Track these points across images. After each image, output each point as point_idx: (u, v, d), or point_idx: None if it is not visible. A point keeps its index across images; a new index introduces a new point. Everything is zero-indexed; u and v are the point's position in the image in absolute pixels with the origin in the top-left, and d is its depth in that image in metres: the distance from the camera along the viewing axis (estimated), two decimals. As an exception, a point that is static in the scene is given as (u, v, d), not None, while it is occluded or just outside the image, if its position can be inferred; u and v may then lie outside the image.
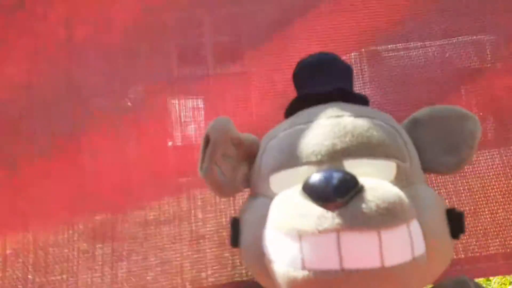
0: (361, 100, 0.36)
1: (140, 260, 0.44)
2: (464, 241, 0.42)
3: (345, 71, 0.38)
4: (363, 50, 0.49)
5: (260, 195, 0.34)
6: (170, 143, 0.47)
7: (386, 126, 0.32)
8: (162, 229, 0.44)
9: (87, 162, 0.47)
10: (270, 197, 0.31)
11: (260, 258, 0.30)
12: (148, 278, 0.43)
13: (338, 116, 0.32)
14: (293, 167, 0.31)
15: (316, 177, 0.27)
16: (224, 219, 0.45)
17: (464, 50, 0.47)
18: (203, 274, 0.43)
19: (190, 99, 0.48)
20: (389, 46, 0.48)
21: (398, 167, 0.31)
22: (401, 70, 0.48)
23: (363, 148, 0.30)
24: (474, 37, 0.48)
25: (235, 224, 0.34)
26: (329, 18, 0.50)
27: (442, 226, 0.29)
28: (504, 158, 0.44)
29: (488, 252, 0.41)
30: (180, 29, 0.50)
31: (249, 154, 0.37)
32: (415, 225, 0.27)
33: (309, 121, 0.33)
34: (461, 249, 0.41)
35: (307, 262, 0.26)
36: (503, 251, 0.41)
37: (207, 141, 0.34)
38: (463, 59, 0.47)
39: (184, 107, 0.48)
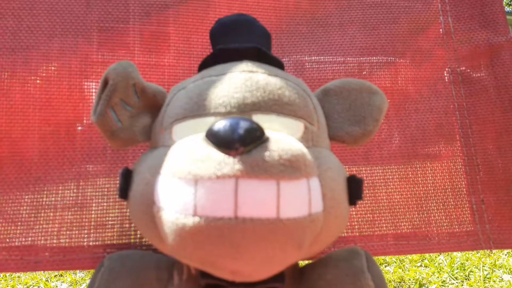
0: (277, 64, 0.35)
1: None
2: (359, 220, 0.43)
3: (264, 34, 0.37)
4: (286, 59, 0.48)
5: (160, 146, 0.31)
6: (80, 128, 0.42)
7: (298, 89, 0.32)
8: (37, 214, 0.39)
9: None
10: (170, 146, 0.28)
11: (149, 208, 0.27)
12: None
13: (251, 72, 0.31)
14: (200, 117, 0.29)
15: (221, 123, 0.25)
16: (105, 220, 0.40)
17: (379, 70, 0.49)
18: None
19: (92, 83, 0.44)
20: (313, 58, 0.49)
21: (306, 128, 0.30)
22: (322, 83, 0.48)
23: (273, 105, 0.29)
24: (390, 58, 0.50)
25: (127, 175, 0.30)
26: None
27: (341, 189, 0.29)
28: (404, 148, 0.47)
29: (380, 232, 0.43)
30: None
31: (152, 105, 0.34)
32: (315, 183, 0.27)
33: (222, 73, 0.31)
34: (356, 227, 0.42)
35: (200, 209, 0.24)
36: (394, 231, 0.43)
37: (104, 83, 0.31)
38: (378, 79, 0.49)
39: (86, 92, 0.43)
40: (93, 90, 0.42)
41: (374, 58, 0.49)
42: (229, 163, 0.24)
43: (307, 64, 0.48)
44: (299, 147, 0.26)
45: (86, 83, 0.42)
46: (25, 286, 1.24)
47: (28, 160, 0.40)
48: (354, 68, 0.48)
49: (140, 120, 0.33)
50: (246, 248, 0.24)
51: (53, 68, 0.42)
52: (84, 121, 0.42)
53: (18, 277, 1.30)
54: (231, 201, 0.23)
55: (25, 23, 0.43)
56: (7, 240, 0.37)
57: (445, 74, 0.51)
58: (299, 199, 0.25)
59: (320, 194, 0.27)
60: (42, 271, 1.33)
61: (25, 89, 0.41)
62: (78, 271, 1.33)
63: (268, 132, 0.25)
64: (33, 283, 1.26)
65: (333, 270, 0.31)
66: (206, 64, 0.35)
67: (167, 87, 0.42)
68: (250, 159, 0.24)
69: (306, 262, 0.35)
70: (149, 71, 0.44)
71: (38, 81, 0.42)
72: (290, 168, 0.25)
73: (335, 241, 0.35)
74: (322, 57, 0.49)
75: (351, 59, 0.49)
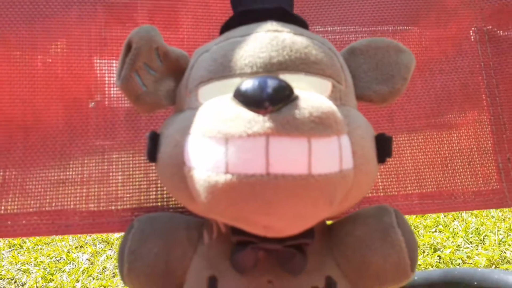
0: (302, 24, 0.34)
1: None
2: (384, 181, 0.43)
3: (286, -6, 0.36)
4: None
5: (186, 109, 0.31)
6: (92, 104, 0.42)
7: (324, 47, 0.31)
8: (65, 181, 0.39)
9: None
10: (197, 108, 0.28)
11: (179, 168, 0.27)
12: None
13: (277, 31, 0.31)
14: (226, 78, 0.29)
15: (249, 83, 0.25)
16: (131, 184, 0.41)
17: (403, 31, 0.48)
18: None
19: (112, 60, 0.43)
20: (336, 28, 0.47)
21: (334, 86, 0.30)
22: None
23: (300, 64, 0.29)
24: (405, 22, 0.49)
25: (154, 138, 0.31)
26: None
27: (370, 146, 0.29)
28: (428, 109, 0.46)
29: (405, 192, 0.43)
30: None
31: (176, 69, 0.33)
32: (345, 140, 0.27)
33: (246, 34, 0.31)
34: (381, 187, 0.43)
35: (231, 166, 0.24)
36: (418, 191, 0.43)
37: (128, 47, 0.31)
38: (403, 40, 0.48)
39: (111, 68, 0.43)
40: (114, 60, 0.42)
41: (398, 22, 0.48)
42: (259, 121, 0.24)
43: (330, 34, 0.47)
44: (329, 105, 0.26)
45: (106, 51, 0.42)
46: (48, 257, 1.29)
47: (53, 128, 0.40)
48: (377, 35, 0.47)
49: (164, 84, 0.33)
50: (278, 204, 0.24)
51: (72, 37, 0.42)
52: (106, 91, 0.42)
53: (41, 249, 1.35)
54: (262, 158, 0.24)
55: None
56: (38, 205, 0.38)
57: (471, 33, 0.49)
58: (330, 155, 0.25)
59: (350, 151, 0.27)
60: (63, 243, 1.38)
61: (46, 57, 0.41)
62: (98, 242, 1.37)
63: (297, 91, 0.25)
64: (55, 255, 1.31)
65: (362, 226, 0.32)
66: (228, 26, 0.34)
67: (188, 53, 0.41)
68: (280, 117, 0.24)
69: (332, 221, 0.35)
70: (168, 37, 0.43)
71: (58, 50, 0.42)
72: (320, 125, 0.24)
73: (360, 201, 0.35)
74: (345, 27, 0.48)
75: (374, 27, 0.48)
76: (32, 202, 0.38)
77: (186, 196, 0.28)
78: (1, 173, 0.38)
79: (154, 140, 0.31)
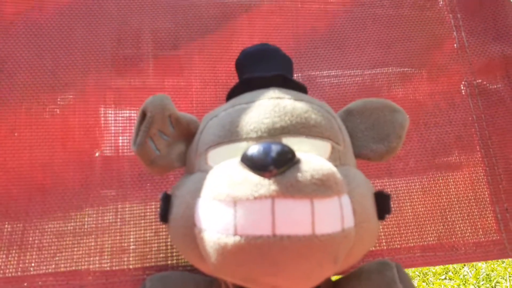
0: (301, 89, 0.37)
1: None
2: (387, 234, 0.44)
3: (286, 62, 0.39)
4: (299, 74, 0.50)
5: (196, 171, 0.33)
6: (97, 153, 0.45)
7: (323, 111, 0.34)
8: (80, 241, 0.41)
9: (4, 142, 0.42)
10: (207, 171, 0.30)
11: (190, 229, 0.29)
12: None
13: (278, 98, 0.33)
14: (233, 143, 0.31)
15: (255, 148, 0.27)
16: (143, 243, 0.42)
17: (391, 80, 0.51)
18: None
19: (125, 110, 0.46)
20: (324, 72, 0.51)
21: (333, 148, 0.32)
22: (335, 97, 0.50)
23: (301, 128, 0.31)
24: (401, 69, 0.52)
25: (166, 200, 0.33)
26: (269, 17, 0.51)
27: (370, 204, 0.31)
28: (425, 161, 0.48)
29: (407, 245, 0.44)
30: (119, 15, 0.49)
31: (186, 134, 0.36)
32: (346, 199, 0.28)
33: (251, 101, 0.33)
34: (384, 241, 0.44)
35: (240, 228, 0.26)
36: (420, 244, 0.44)
37: (143, 116, 0.33)
38: (397, 95, 0.51)
39: (117, 117, 0.46)
40: (127, 121, 0.45)
41: (392, 75, 0.51)
42: (265, 185, 0.26)
43: (325, 81, 0.50)
44: (329, 167, 0.28)
45: (121, 114, 0.45)
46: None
47: (69, 190, 0.42)
48: (372, 86, 0.50)
49: (176, 148, 0.35)
50: (285, 264, 0.25)
51: (88, 100, 0.45)
52: (120, 151, 0.44)
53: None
54: (269, 220, 0.25)
55: (62, 62, 0.46)
56: (53, 266, 0.39)
57: (462, 87, 0.52)
58: (332, 215, 0.27)
59: (351, 210, 0.28)
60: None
61: (64, 121, 0.44)
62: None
63: (298, 154, 0.27)
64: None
65: (366, 282, 0.32)
66: (234, 93, 0.37)
67: (196, 115, 0.44)
68: (285, 180, 0.26)
69: (338, 276, 0.36)
70: (178, 100, 0.46)
71: (76, 112, 0.45)
72: (322, 187, 0.26)
73: (363, 256, 0.36)
74: (340, 73, 0.51)
75: (368, 76, 0.51)
76: (47, 263, 0.39)
77: (196, 256, 0.30)
78: (20, 235, 0.40)
79: (166, 201, 0.33)
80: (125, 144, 0.45)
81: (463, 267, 1.34)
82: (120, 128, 0.45)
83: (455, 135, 0.49)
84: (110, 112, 0.46)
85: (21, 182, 0.42)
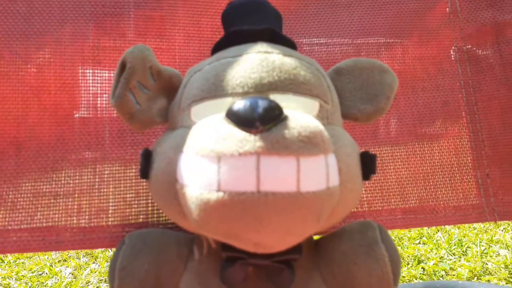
0: (290, 44, 0.36)
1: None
2: (369, 196, 0.44)
3: (275, 16, 0.38)
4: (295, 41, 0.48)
5: (179, 127, 0.32)
6: (76, 115, 0.42)
7: (312, 68, 0.33)
8: (57, 200, 0.40)
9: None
10: (190, 126, 0.29)
11: (172, 185, 0.28)
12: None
13: (266, 52, 0.32)
14: (218, 98, 0.30)
15: (240, 103, 0.26)
16: (122, 200, 0.41)
17: (386, 50, 0.50)
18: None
19: (104, 70, 0.44)
20: (321, 40, 0.49)
21: (321, 106, 0.31)
22: (324, 65, 0.48)
23: (289, 84, 0.30)
24: (397, 38, 0.51)
25: (147, 155, 0.32)
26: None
27: (356, 164, 0.30)
28: (411, 126, 0.48)
29: (389, 207, 0.44)
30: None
31: (168, 88, 0.34)
32: (332, 158, 0.28)
33: (237, 55, 0.32)
34: (365, 203, 0.44)
35: (223, 184, 0.25)
36: (402, 206, 0.45)
37: (122, 66, 0.32)
38: (386, 58, 0.50)
39: (97, 78, 0.44)
40: (106, 75, 0.43)
41: (382, 38, 0.50)
42: (250, 141, 0.25)
43: (315, 46, 0.49)
44: (316, 124, 0.27)
45: (98, 68, 0.43)
46: (30, 271, 1.26)
47: (45, 144, 0.40)
48: (361, 49, 0.49)
49: (157, 102, 0.34)
50: (268, 221, 0.25)
51: (65, 52, 0.43)
52: (98, 106, 0.43)
53: (23, 263, 1.32)
54: (253, 177, 0.24)
55: (36, 9, 0.43)
56: (29, 221, 0.38)
57: (451, 53, 0.51)
58: (318, 174, 0.26)
59: (337, 169, 0.28)
60: (46, 257, 1.35)
61: (39, 74, 0.42)
62: (81, 256, 1.35)
63: (286, 111, 0.26)
64: (37, 269, 1.28)
65: (347, 241, 0.33)
66: (219, 46, 0.36)
67: (179, 71, 0.42)
68: (271, 136, 0.25)
69: (319, 236, 0.36)
70: (160, 55, 0.44)
71: (51, 65, 0.42)
72: (309, 144, 0.26)
73: (345, 216, 0.36)
74: (330, 39, 0.49)
75: (359, 40, 0.50)
76: (23, 218, 0.38)
77: (177, 212, 0.29)
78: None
79: (147, 157, 0.31)
80: (104, 105, 0.43)
81: (436, 233, 1.39)
82: (99, 88, 0.43)
83: (442, 101, 0.49)
84: (88, 71, 0.43)
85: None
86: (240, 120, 0.25)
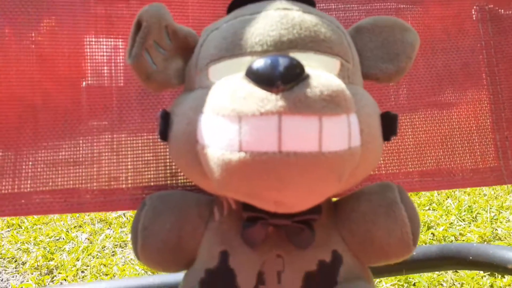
0: (309, 2, 0.35)
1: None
2: (386, 159, 0.44)
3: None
4: None
5: (197, 88, 0.31)
6: (84, 83, 0.42)
7: (333, 26, 0.32)
8: (76, 164, 0.40)
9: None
10: (209, 87, 0.29)
11: (192, 146, 0.28)
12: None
13: (286, 9, 0.31)
14: (236, 57, 0.29)
15: (261, 61, 0.26)
16: (141, 163, 0.41)
17: (407, 9, 0.48)
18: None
19: (110, 39, 0.43)
20: (322, 5, 0.47)
21: (342, 65, 0.31)
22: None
23: (310, 42, 0.30)
24: (398, 5, 0.49)
25: (166, 117, 0.31)
26: None
27: (377, 125, 0.30)
28: (430, 87, 0.47)
29: (406, 170, 0.44)
30: None
31: (185, 48, 0.34)
32: (354, 118, 0.27)
33: (256, 12, 0.31)
34: (382, 166, 0.44)
35: (245, 144, 0.25)
36: (419, 169, 0.44)
37: (138, 26, 0.31)
38: (406, 18, 0.48)
39: (102, 46, 0.43)
40: (120, 38, 0.42)
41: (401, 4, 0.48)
42: (271, 100, 0.24)
43: (333, 12, 0.47)
44: (338, 83, 0.26)
45: (112, 30, 0.42)
46: (47, 236, 1.31)
47: (62, 108, 0.41)
48: (381, 11, 0.48)
49: (174, 63, 0.33)
50: (290, 180, 0.25)
51: (78, 18, 0.42)
52: (112, 69, 0.42)
53: (39, 228, 1.36)
54: (275, 136, 0.24)
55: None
56: (50, 183, 0.39)
57: (473, 12, 0.50)
58: (340, 133, 0.26)
59: (358, 129, 0.28)
60: (62, 223, 1.39)
61: (52, 38, 0.41)
62: (96, 222, 1.39)
63: (307, 69, 0.26)
64: (54, 234, 1.32)
65: (366, 202, 0.33)
66: (236, 4, 0.35)
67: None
68: (293, 95, 0.24)
69: (337, 199, 0.36)
70: (172, 15, 0.43)
71: (64, 32, 0.42)
72: (331, 103, 0.25)
73: (365, 177, 0.36)
74: (348, 5, 0.48)
75: (376, 4, 0.48)
76: (44, 181, 0.39)
77: (198, 173, 0.29)
78: (14, 153, 0.38)
79: (166, 119, 0.31)
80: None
81: (446, 199, 1.40)
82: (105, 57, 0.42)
83: (462, 62, 0.48)
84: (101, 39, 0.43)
85: (11, 100, 0.40)
86: (260, 79, 0.25)
